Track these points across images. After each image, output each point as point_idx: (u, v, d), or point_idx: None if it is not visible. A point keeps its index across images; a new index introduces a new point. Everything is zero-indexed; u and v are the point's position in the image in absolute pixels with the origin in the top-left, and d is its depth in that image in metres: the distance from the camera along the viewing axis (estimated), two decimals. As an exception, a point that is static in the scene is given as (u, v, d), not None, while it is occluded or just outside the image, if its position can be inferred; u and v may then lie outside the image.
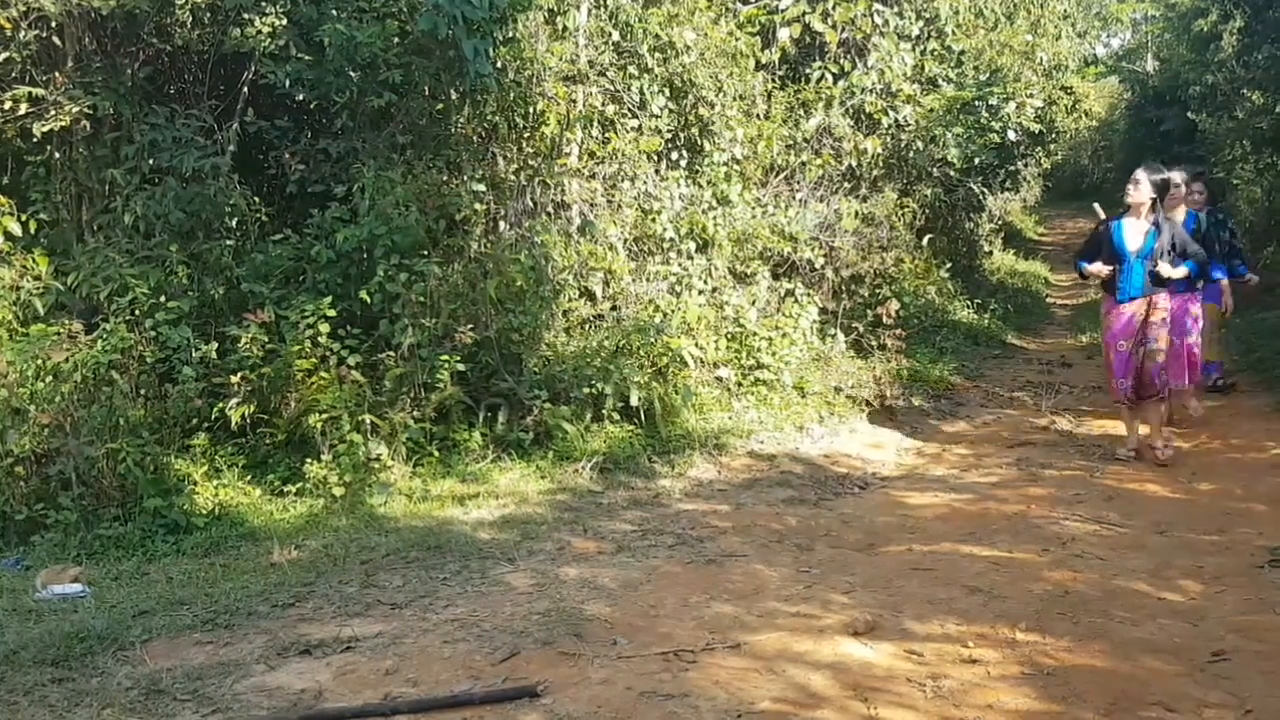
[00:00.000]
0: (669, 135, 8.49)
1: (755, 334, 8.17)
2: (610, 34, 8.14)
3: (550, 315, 7.07)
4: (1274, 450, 6.60)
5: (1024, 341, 12.28)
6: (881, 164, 10.36)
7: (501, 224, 7.58)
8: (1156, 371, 6.57)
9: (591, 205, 7.98)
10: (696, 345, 7.50)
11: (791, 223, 9.09)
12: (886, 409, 8.23)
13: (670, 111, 8.41)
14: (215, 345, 6.06)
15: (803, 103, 9.87)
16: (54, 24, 6.47)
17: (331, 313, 5.97)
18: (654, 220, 8.06)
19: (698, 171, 8.67)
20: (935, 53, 10.98)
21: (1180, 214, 7.29)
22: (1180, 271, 6.47)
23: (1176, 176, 7.16)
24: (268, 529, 5.25)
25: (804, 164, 9.68)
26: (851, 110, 10.04)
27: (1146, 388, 6.61)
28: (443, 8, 6.37)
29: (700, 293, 8.19)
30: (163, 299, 6.08)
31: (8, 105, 6.36)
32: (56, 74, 6.51)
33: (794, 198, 9.61)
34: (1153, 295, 6.53)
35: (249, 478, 5.87)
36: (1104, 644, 3.54)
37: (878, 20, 9.99)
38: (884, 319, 9.29)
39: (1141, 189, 6.50)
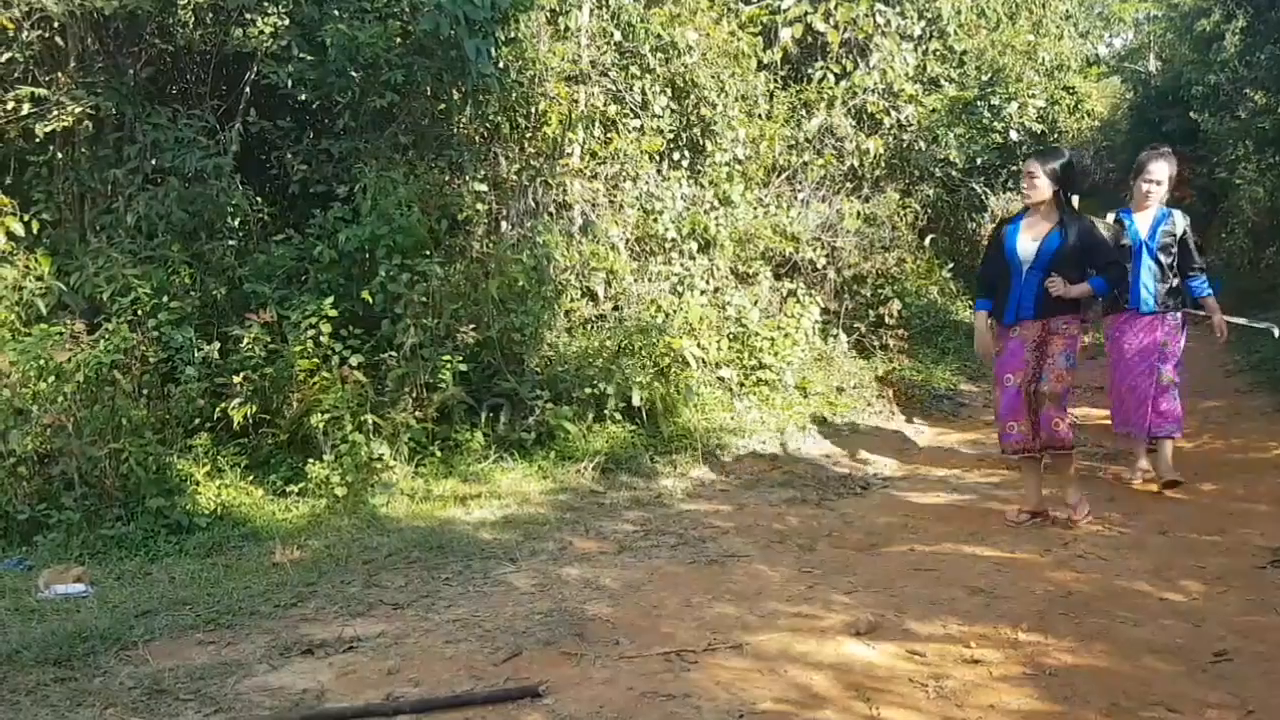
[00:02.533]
0: (671, 135, 8.49)
1: (757, 334, 8.18)
2: (612, 34, 8.15)
3: (552, 315, 7.08)
4: (1275, 450, 6.59)
5: (1026, 341, 12.25)
6: (883, 164, 10.38)
7: (503, 224, 7.59)
8: (1045, 419, 5.08)
9: (593, 205, 7.99)
10: (698, 345, 7.50)
11: (793, 223, 9.10)
12: (889, 409, 8.23)
13: (672, 112, 8.42)
14: (217, 345, 6.06)
15: (805, 103, 9.88)
16: (56, 24, 6.48)
17: (333, 313, 5.98)
18: (656, 220, 8.07)
19: (700, 172, 8.68)
20: (937, 53, 11.00)
21: (1150, 215, 5.83)
22: (1079, 290, 5.04)
23: (1156, 169, 5.79)
24: (270, 529, 5.26)
25: (806, 164, 9.69)
26: (853, 110, 10.05)
27: (1041, 438, 5.13)
28: (445, 8, 6.38)
29: (702, 293, 8.20)
30: (165, 299, 6.08)
31: (10, 105, 6.36)
32: (59, 74, 6.52)
33: (796, 198, 9.62)
34: (1049, 319, 5.06)
35: (251, 478, 5.88)
36: (1106, 644, 3.54)
37: (880, 20, 10.00)
38: (886, 319, 9.31)
39: (1038, 185, 5.07)
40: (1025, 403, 5.11)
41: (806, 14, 9.66)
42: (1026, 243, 5.08)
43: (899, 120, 10.24)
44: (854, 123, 10.04)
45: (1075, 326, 5.15)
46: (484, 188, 7.19)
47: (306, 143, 7.07)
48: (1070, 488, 5.26)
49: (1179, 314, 5.86)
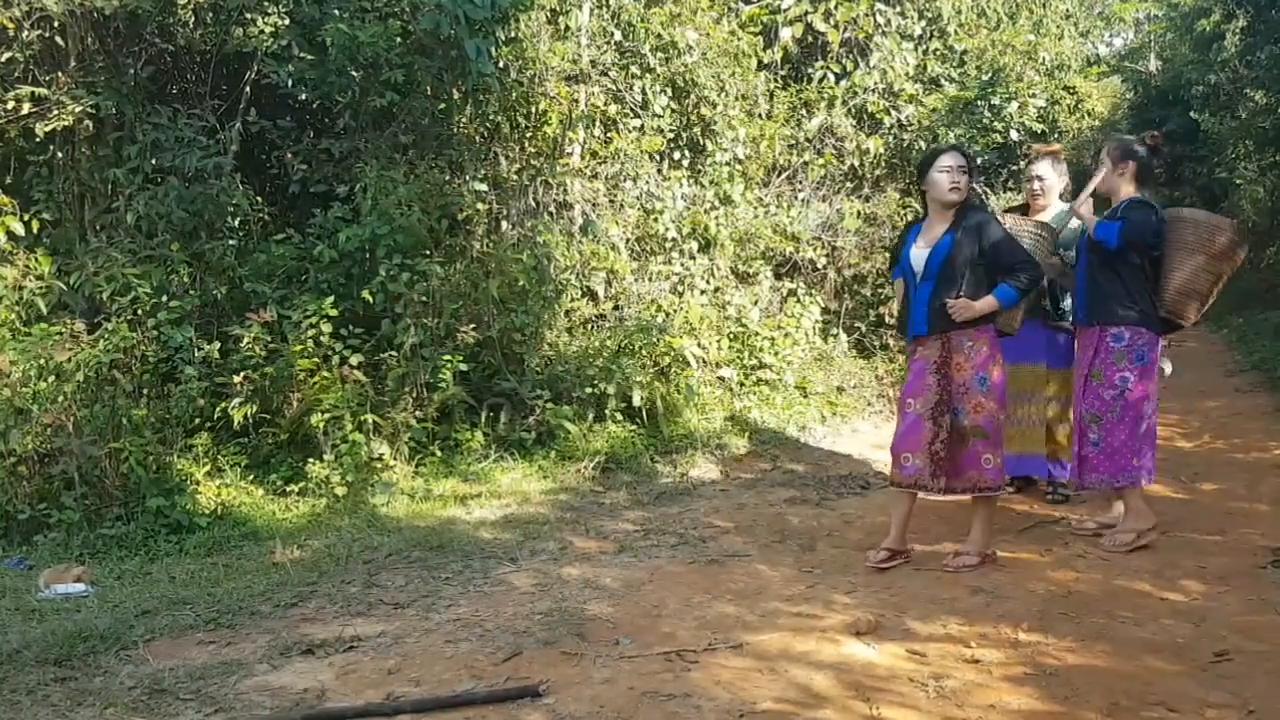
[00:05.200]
0: (671, 135, 8.50)
1: (757, 334, 8.19)
2: (612, 34, 8.15)
3: (552, 315, 7.09)
4: (1276, 450, 6.59)
5: (1026, 341, 12.24)
6: (884, 164, 10.36)
7: (504, 224, 7.59)
8: (973, 457, 4.37)
9: (594, 205, 7.99)
10: (699, 345, 7.51)
11: (794, 222, 9.10)
12: (889, 409, 8.22)
13: (672, 111, 8.42)
14: (217, 345, 6.07)
15: (805, 102, 9.87)
16: (57, 24, 6.48)
17: (334, 312, 5.98)
18: (656, 220, 8.07)
19: (700, 171, 8.68)
20: (937, 52, 10.98)
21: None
22: (982, 305, 4.28)
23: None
24: (270, 528, 5.26)
25: (806, 164, 9.69)
26: (854, 110, 10.04)
27: (963, 480, 4.41)
28: (445, 7, 6.38)
29: (702, 292, 8.21)
30: (165, 299, 6.09)
31: (11, 105, 6.37)
32: (59, 74, 6.52)
33: (796, 197, 9.62)
34: (947, 335, 4.36)
35: (251, 477, 5.88)
36: (1106, 644, 3.54)
37: (880, 20, 9.99)
38: (886, 319, 9.30)
39: (944, 181, 4.38)
40: (929, 434, 4.38)
41: (807, 13, 9.65)
42: (919, 249, 4.43)
43: (899, 120, 10.23)
44: (854, 122, 10.03)
45: (985, 343, 4.36)
46: (484, 187, 7.19)
47: (307, 142, 7.08)
48: (978, 534, 4.50)
49: (1125, 330, 4.61)
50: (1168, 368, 5.15)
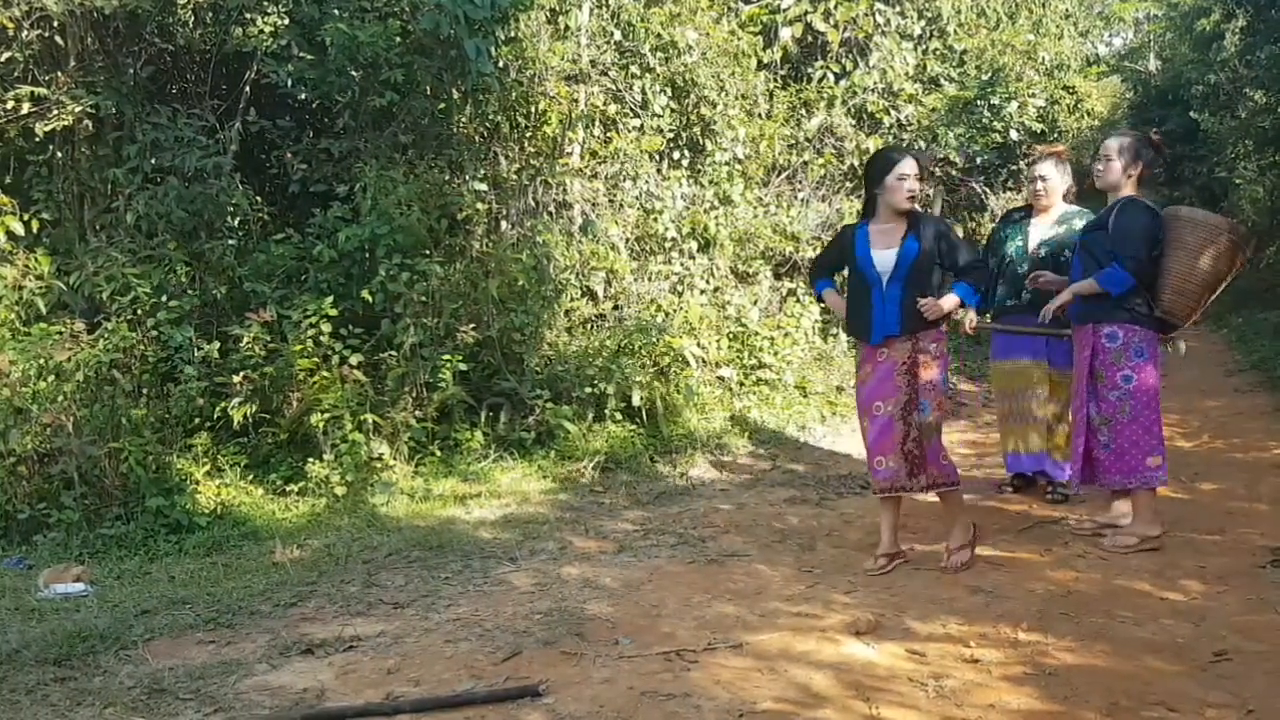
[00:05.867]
0: (671, 135, 8.50)
1: (757, 333, 8.19)
2: (612, 33, 8.15)
3: (552, 315, 7.09)
4: (1276, 450, 6.59)
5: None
6: (884, 163, 10.37)
7: (503, 223, 7.59)
8: (936, 454, 4.44)
9: (593, 205, 7.99)
10: (698, 345, 7.51)
11: (793, 222, 9.10)
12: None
13: (672, 111, 8.43)
14: (217, 345, 6.07)
15: (805, 102, 9.88)
16: (56, 23, 6.48)
17: (333, 312, 5.98)
18: (656, 220, 8.07)
19: (700, 171, 8.68)
20: (937, 52, 10.99)
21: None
22: (947, 303, 4.37)
23: (1105, 146, 4.78)
24: (270, 528, 5.26)
25: (806, 163, 9.70)
26: (853, 110, 10.05)
27: (929, 475, 4.44)
28: (445, 7, 6.38)
29: (702, 292, 8.21)
30: (164, 298, 6.09)
31: (10, 105, 6.37)
32: (59, 73, 6.53)
33: (796, 197, 9.62)
34: (918, 337, 4.39)
35: (251, 477, 5.88)
36: (1106, 644, 3.54)
37: (879, 20, 10.00)
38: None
39: (903, 189, 4.34)
40: (900, 434, 4.43)
41: (806, 13, 9.66)
42: (881, 251, 4.39)
43: (899, 120, 10.24)
44: (854, 122, 10.04)
45: (943, 344, 4.50)
46: (484, 187, 7.19)
47: (306, 142, 7.08)
48: (957, 527, 4.55)
49: (1118, 329, 4.59)
50: (1183, 347, 5.15)
